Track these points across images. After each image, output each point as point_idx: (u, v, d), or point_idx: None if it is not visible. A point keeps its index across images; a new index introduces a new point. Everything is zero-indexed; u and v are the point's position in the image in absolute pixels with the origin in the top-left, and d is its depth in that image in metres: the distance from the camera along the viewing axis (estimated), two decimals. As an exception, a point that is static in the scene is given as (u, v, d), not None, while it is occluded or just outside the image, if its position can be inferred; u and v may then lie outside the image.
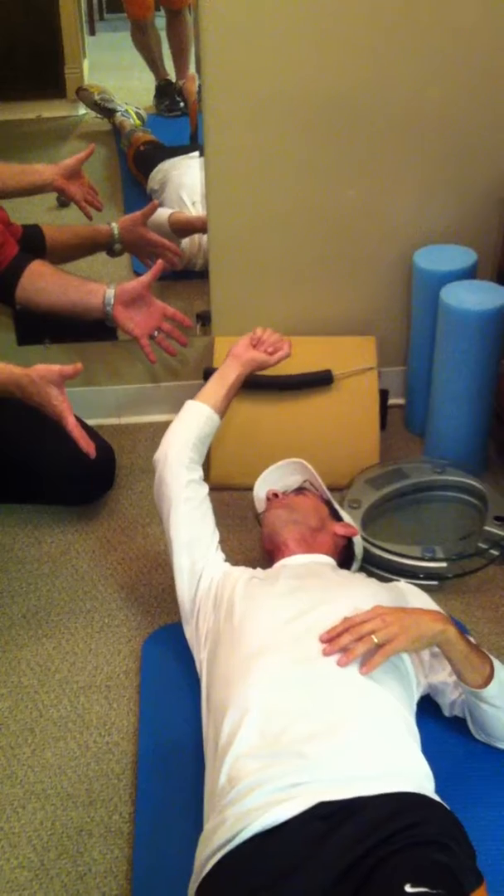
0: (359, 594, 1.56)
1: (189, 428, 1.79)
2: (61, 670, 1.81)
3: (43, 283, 2.02)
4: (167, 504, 1.73)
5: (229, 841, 1.19)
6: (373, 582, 1.70)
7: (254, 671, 1.40)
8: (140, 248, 2.35)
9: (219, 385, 1.86)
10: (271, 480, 1.98)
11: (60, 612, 1.94)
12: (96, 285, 2.02)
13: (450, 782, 1.37)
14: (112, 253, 2.33)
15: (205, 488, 1.77)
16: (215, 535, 1.75)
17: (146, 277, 2.01)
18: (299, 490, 1.93)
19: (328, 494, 1.92)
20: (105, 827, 1.52)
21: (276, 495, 1.90)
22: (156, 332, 2.06)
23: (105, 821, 1.53)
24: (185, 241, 2.42)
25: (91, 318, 2.03)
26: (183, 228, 2.38)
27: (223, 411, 1.85)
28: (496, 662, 1.49)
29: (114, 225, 2.29)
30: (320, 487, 1.93)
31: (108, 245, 2.31)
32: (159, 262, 2.03)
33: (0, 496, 2.23)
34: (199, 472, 1.77)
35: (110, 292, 2.00)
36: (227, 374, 1.87)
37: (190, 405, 1.83)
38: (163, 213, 2.38)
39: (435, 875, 1.11)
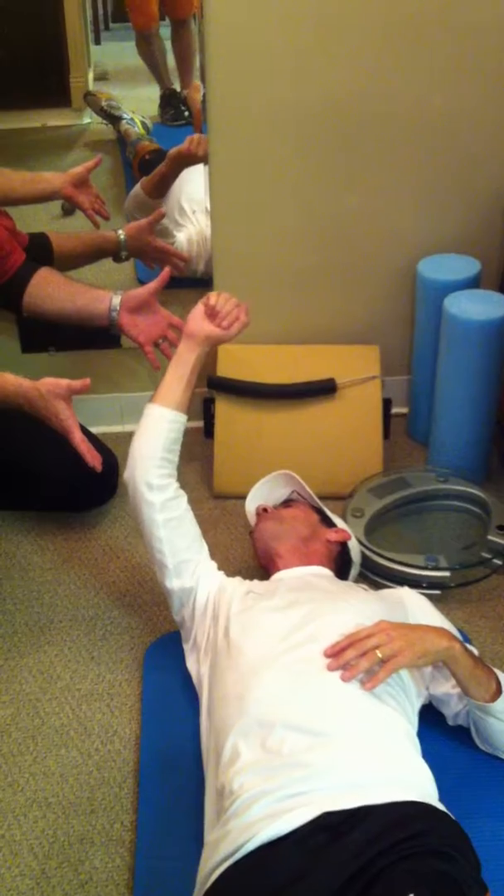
0: (356, 606, 1.55)
1: (153, 441, 1.67)
2: (63, 678, 1.81)
3: (50, 289, 2.02)
4: (146, 530, 1.67)
5: (234, 852, 1.19)
6: (371, 593, 1.70)
7: (253, 686, 1.40)
8: (146, 254, 2.35)
9: (177, 376, 1.71)
10: (261, 495, 1.96)
11: (63, 619, 1.94)
12: (103, 292, 2.02)
13: (454, 792, 1.37)
14: (118, 259, 2.33)
15: (183, 499, 1.70)
16: (203, 548, 1.72)
17: (153, 285, 2.01)
18: (287, 502, 1.93)
19: (318, 502, 1.91)
20: (107, 835, 1.52)
21: (265, 510, 1.89)
22: (160, 341, 2.05)
23: (107, 829, 1.53)
24: (184, 243, 2.42)
25: (96, 324, 2.03)
26: (154, 186, 2.37)
27: (187, 404, 1.71)
28: (502, 675, 1.48)
29: (120, 232, 2.30)
30: (309, 496, 1.93)
31: (114, 252, 2.32)
32: (166, 269, 2.03)
33: (3, 503, 2.23)
34: (173, 486, 1.68)
35: (116, 299, 2.00)
36: (184, 360, 1.73)
37: (149, 412, 1.70)
38: (136, 186, 2.40)
39: (438, 885, 1.11)
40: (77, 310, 2.02)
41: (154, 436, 1.68)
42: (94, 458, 1.79)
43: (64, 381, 1.77)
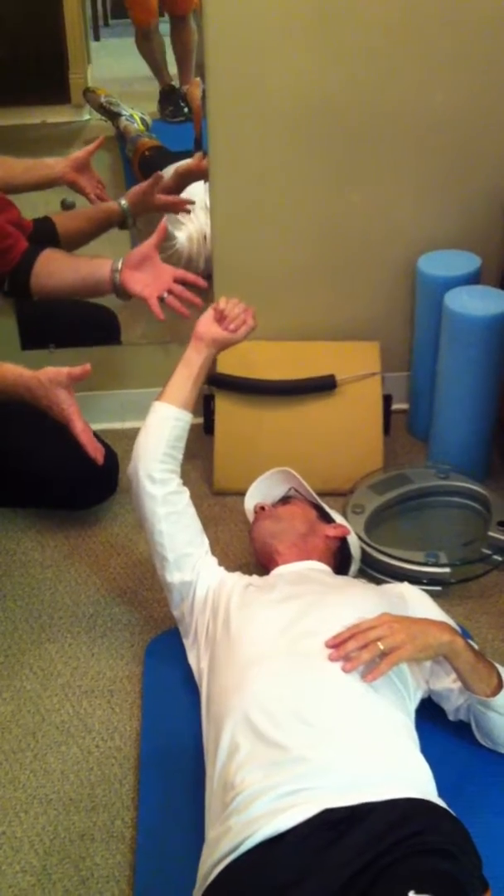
0: (356, 599, 1.56)
1: (156, 436, 1.70)
2: (64, 674, 1.81)
3: (53, 267, 2.03)
4: (148, 523, 1.69)
5: (234, 849, 1.19)
6: (371, 587, 1.70)
7: (251, 679, 1.40)
8: (153, 212, 2.34)
9: (184, 376, 1.75)
10: (260, 492, 1.97)
11: (63, 616, 1.94)
12: (105, 259, 2.02)
13: (456, 788, 1.37)
14: (124, 227, 2.32)
15: (184, 495, 1.71)
16: (204, 543, 1.73)
17: (152, 239, 1.99)
18: (285, 499, 1.93)
19: (317, 498, 1.91)
20: (107, 832, 1.52)
21: (262, 508, 1.89)
22: (165, 294, 1.99)
23: (107, 826, 1.53)
24: (184, 242, 2.42)
25: (102, 291, 2.02)
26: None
27: (192, 403, 1.75)
28: (503, 670, 1.48)
29: (122, 202, 2.28)
30: (307, 492, 1.93)
31: (120, 222, 2.31)
32: (162, 223, 2.01)
33: (3, 500, 2.23)
34: (176, 481, 1.70)
35: (118, 262, 1.99)
36: (191, 361, 1.76)
37: (155, 409, 1.73)
38: (167, 171, 2.39)
39: (439, 883, 1.11)
40: (82, 279, 2.02)
41: (158, 432, 1.70)
42: (95, 450, 1.80)
43: (64, 369, 1.78)
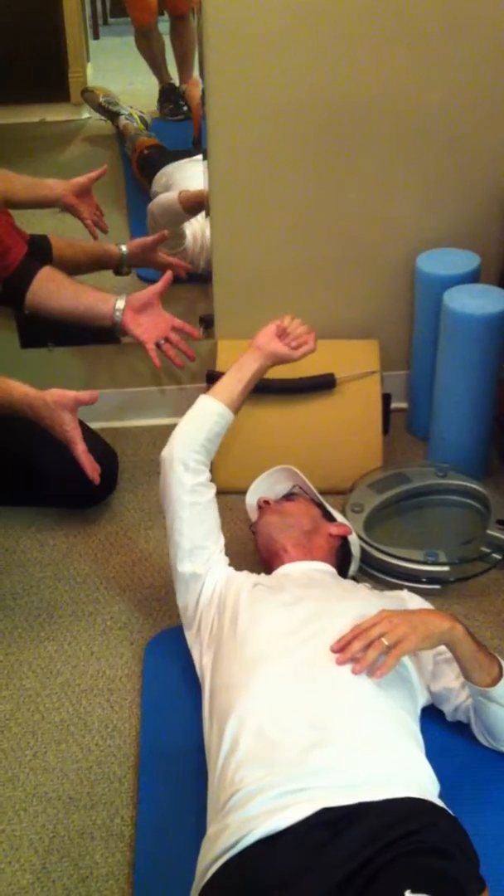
0: (361, 603, 1.56)
1: (198, 427, 1.73)
2: (63, 673, 1.81)
3: (53, 287, 2.03)
4: (171, 509, 1.70)
5: (232, 847, 1.19)
6: (374, 592, 1.70)
7: (257, 678, 1.40)
8: (149, 266, 2.36)
9: (236, 378, 1.78)
10: (262, 489, 1.97)
11: (63, 614, 1.94)
12: (107, 294, 2.04)
13: (454, 787, 1.37)
14: (119, 273, 2.34)
15: (211, 490, 1.73)
16: (220, 540, 1.74)
17: (157, 287, 2.04)
18: (289, 496, 1.93)
19: (319, 497, 1.92)
20: (107, 830, 1.52)
21: (267, 503, 1.90)
22: (162, 341, 2.06)
23: (107, 824, 1.53)
24: (189, 241, 2.42)
25: (99, 324, 2.04)
26: (193, 205, 2.37)
27: (238, 406, 1.78)
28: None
29: (123, 247, 2.30)
30: (310, 490, 1.93)
31: (115, 266, 2.32)
32: (168, 273, 2.05)
33: (2, 498, 2.23)
34: (206, 474, 1.73)
35: (121, 301, 2.02)
36: (246, 366, 1.80)
37: (202, 402, 1.76)
38: (171, 196, 2.38)
39: (436, 882, 1.11)
40: (82, 308, 2.03)
41: (200, 423, 1.73)
42: (93, 471, 1.84)
43: (71, 393, 1.80)
